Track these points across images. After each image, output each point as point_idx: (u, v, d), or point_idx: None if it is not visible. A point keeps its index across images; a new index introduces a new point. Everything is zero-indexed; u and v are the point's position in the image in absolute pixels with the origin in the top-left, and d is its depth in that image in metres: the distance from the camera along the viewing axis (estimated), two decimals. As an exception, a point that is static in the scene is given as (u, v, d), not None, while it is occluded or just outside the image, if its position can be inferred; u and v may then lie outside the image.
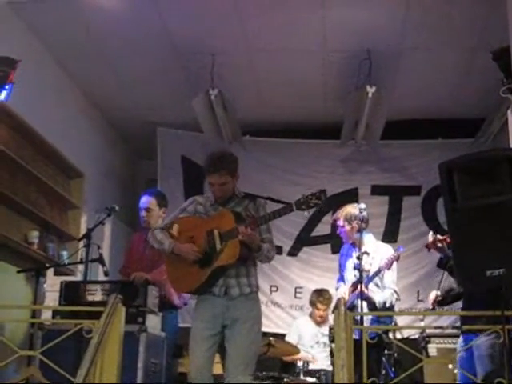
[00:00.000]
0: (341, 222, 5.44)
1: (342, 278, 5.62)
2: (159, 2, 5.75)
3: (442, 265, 5.04)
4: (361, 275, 5.00)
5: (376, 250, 5.35)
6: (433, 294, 5.12)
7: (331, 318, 5.96)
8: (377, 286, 5.28)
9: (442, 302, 5.16)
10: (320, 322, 6.72)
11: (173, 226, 4.24)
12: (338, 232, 5.57)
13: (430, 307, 5.20)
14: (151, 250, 5.50)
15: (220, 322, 4.03)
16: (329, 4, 5.71)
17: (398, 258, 5.28)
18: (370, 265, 5.22)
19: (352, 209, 5.41)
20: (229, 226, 4.00)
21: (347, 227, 5.38)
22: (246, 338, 3.99)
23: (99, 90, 7.33)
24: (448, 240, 4.76)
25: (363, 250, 5.18)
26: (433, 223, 7.74)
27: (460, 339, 4.77)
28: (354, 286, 5.25)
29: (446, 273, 4.93)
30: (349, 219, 5.36)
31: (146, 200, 5.62)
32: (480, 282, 3.61)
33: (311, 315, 6.86)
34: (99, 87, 7.25)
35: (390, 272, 5.33)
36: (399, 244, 7.60)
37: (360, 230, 5.24)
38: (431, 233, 4.92)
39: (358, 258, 5.09)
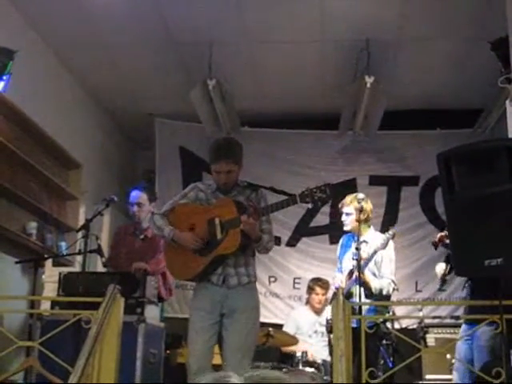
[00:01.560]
0: (350, 210, 5.39)
1: (340, 270, 5.61)
2: (157, -8, 5.74)
3: (449, 261, 5.04)
4: (359, 265, 5.01)
5: (373, 239, 5.36)
6: (440, 267, 5.06)
7: (328, 309, 5.97)
8: (374, 275, 5.29)
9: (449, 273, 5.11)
10: (318, 308, 6.71)
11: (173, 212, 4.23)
12: (342, 218, 5.51)
13: (440, 282, 5.17)
14: (142, 244, 5.55)
15: (219, 311, 4.02)
16: (327, -6, 5.72)
17: (393, 236, 5.26)
18: (368, 254, 5.21)
19: (368, 204, 5.38)
20: (230, 215, 3.99)
21: (355, 216, 5.32)
22: (244, 327, 3.98)
23: (97, 81, 7.31)
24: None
25: (362, 239, 5.19)
26: (431, 213, 7.76)
27: (463, 327, 4.79)
28: (350, 273, 5.26)
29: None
30: (359, 209, 5.31)
31: (136, 195, 5.67)
32: (478, 272, 3.62)
33: (309, 303, 6.87)
34: (97, 78, 7.24)
35: (388, 262, 5.32)
36: (398, 235, 7.62)
37: (367, 221, 5.28)
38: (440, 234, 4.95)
39: (357, 248, 5.09)
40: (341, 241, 5.70)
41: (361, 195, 5.40)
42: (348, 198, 5.45)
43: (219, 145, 4.12)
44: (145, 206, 5.62)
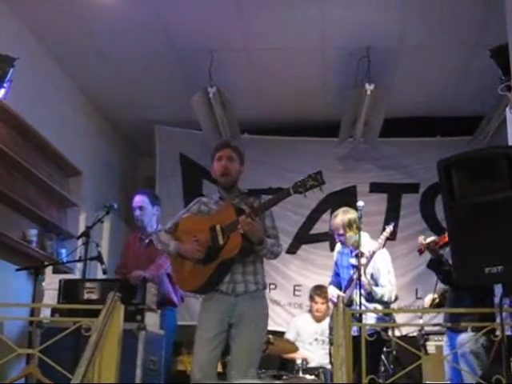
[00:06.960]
0: (341, 231, 5.42)
1: (335, 275, 5.64)
2: None
3: (432, 266, 5.07)
4: (359, 273, 5.01)
5: (369, 246, 5.37)
6: (428, 298, 5.17)
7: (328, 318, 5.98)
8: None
9: (440, 303, 5.19)
10: (319, 317, 6.70)
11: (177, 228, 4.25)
12: (337, 240, 5.57)
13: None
14: (147, 249, 5.55)
15: (226, 321, 4.00)
16: (328, 1, 5.72)
17: (390, 234, 5.29)
18: (367, 257, 5.23)
19: (350, 215, 5.41)
20: (230, 220, 3.99)
21: (349, 233, 5.36)
22: (252, 336, 3.96)
23: (97, 88, 7.32)
24: (438, 241, 4.85)
25: (358, 250, 5.21)
26: (431, 221, 7.76)
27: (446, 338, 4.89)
28: (350, 280, 5.27)
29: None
30: (349, 225, 5.35)
31: (138, 199, 5.70)
32: (479, 279, 3.61)
33: (311, 311, 6.86)
34: (97, 85, 7.24)
35: (386, 274, 5.33)
36: (398, 242, 7.63)
37: (358, 229, 5.28)
38: (421, 237, 5.00)
39: (357, 255, 5.10)
40: (336, 247, 5.72)
41: (336, 214, 5.45)
42: (334, 222, 5.49)
43: (223, 140, 4.31)
44: (147, 209, 5.65)
